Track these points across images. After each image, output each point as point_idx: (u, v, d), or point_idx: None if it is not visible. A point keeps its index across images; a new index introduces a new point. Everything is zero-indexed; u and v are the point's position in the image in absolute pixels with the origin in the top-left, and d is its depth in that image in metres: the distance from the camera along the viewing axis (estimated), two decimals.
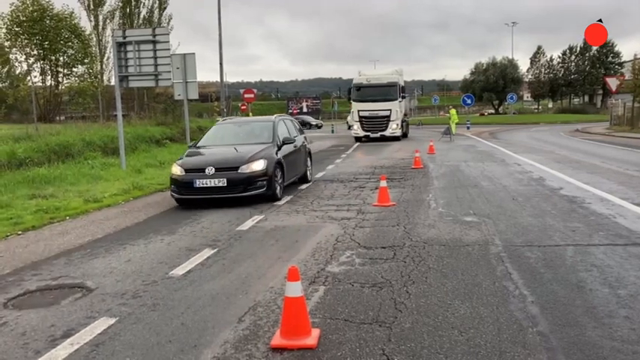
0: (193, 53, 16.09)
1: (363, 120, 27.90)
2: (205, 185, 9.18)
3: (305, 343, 3.63)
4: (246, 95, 32.92)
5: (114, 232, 7.81)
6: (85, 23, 44.26)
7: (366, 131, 27.91)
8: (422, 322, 3.99)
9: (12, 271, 5.89)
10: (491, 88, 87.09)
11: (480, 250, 5.94)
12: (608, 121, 44.48)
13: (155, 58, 15.03)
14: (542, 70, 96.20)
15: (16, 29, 36.55)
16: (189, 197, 9.42)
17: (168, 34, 15.48)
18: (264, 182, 9.41)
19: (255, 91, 37.93)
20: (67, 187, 12.06)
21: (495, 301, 4.35)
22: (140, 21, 45.44)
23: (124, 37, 15.27)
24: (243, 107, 34.44)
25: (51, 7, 37.47)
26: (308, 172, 12.61)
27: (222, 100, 29.32)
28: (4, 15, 36.16)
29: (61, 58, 39.40)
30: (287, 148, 10.85)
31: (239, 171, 9.27)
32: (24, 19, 36.15)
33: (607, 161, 15.64)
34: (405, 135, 30.59)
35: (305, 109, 79.92)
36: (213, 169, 9.23)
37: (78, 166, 14.86)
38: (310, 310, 4.21)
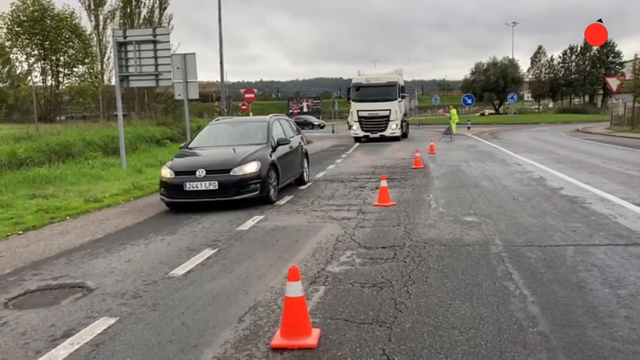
0: (194, 53, 16.08)
1: (362, 120, 27.72)
2: (196, 188, 8.82)
3: (305, 343, 3.63)
4: (246, 95, 32.91)
5: (114, 232, 7.81)
6: (86, 23, 44.29)
7: (366, 131, 27.74)
8: (422, 322, 3.99)
9: (12, 271, 5.89)
10: (492, 88, 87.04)
11: (481, 250, 5.94)
12: (608, 121, 44.48)
13: (155, 58, 15.04)
14: (543, 70, 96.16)
15: (17, 29, 36.56)
16: (179, 201, 9.08)
17: (168, 34, 15.48)
18: (258, 185, 9.09)
19: (255, 91, 37.94)
20: (67, 186, 12.06)
21: (496, 301, 4.35)
22: (140, 21, 45.46)
23: (125, 37, 15.27)
24: (243, 107, 34.44)
25: (52, 7, 37.49)
26: (305, 174, 12.25)
27: (222, 99, 29.31)
28: (4, 15, 36.16)
29: (62, 58, 39.41)
30: (282, 149, 10.52)
31: (231, 173, 8.93)
32: (25, 18, 36.16)
33: (607, 161, 15.64)
34: (405, 135, 30.39)
35: (305, 109, 79.85)
36: (204, 171, 8.90)
37: (78, 166, 14.87)
38: (310, 310, 4.21)
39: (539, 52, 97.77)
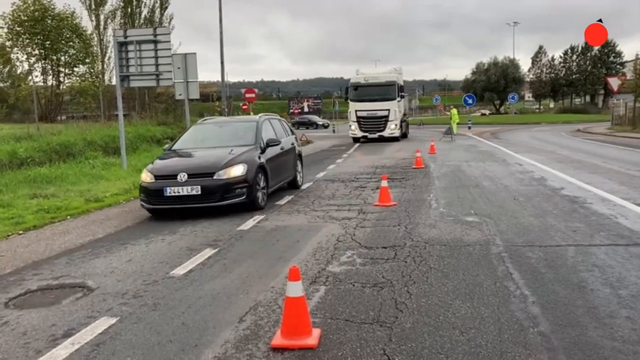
0: (194, 53, 16.08)
1: (361, 120, 27.29)
2: (177, 194, 8.22)
3: (306, 343, 3.63)
4: (247, 95, 32.90)
5: (115, 231, 7.82)
6: (87, 23, 44.44)
7: (364, 132, 27.35)
8: (423, 322, 3.98)
9: (13, 271, 5.89)
10: (493, 88, 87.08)
11: (481, 250, 5.94)
12: (609, 121, 44.45)
13: (156, 57, 15.04)
14: (544, 69, 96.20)
15: (18, 29, 36.58)
16: (160, 207, 8.52)
17: (169, 34, 15.48)
18: (244, 190, 8.49)
19: (256, 90, 37.92)
20: (68, 186, 12.07)
21: (496, 301, 4.34)
22: (141, 21, 45.49)
23: (125, 37, 15.28)
24: (244, 107, 34.45)
25: (52, 6, 37.52)
26: (298, 177, 11.62)
27: (223, 99, 29.33)
28: (5, 15, 36.19)
29: (63, 58, 39.44)
30: (272, 151, 9.91)
31: (215, 177, 8.34)
32: (25, 18, 36.18)
33: (608, 161, 15.63)
34: (404, 135, 30.09)
35: (306, 109, 79.87)
36: (186, 175, 8.31)
37: (79, 166, 14.89)
38: (311, 310, 4.21)
39: (540, 51, 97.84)
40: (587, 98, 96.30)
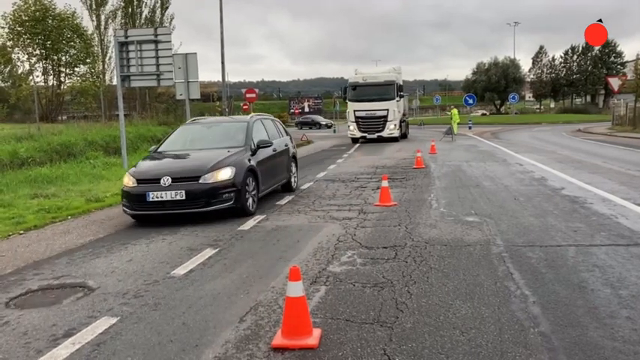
0: (195, 53, 16.09)
1: (360, 120, 26.88)
2: (160, 199, 7.77)
3: (306, 343, 3.63)
4: (248, 95, 32.90)
5: (115, 231, 7.82)
6: (87, 23, 44.50)
7: (363, 132, 26.94)
8: (423, 322, 3.99)
9: (14, 271, 5.90)
10: (493, 88, 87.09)
11: (482, 250, 5.94)
12: (610, 121, 44.43)
13: (157, 57, 15.05)
14: (544, 70, 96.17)
15: (19, 29, 36.62)
16: (142, 213, 8.09)
17: (170, 34, 15.50)
18: (232, 194, 8.04)
19: (257, 90, 37.92)
20: (68, 186, 12.08)
21: (497, 302, 4.34)
22: (142, 21, 45.55)
23: (126, 37, 15.29)
24: (245, 107, 34.47)
25: (53, 6, 37.57)
26: (292, 180, 11.11)
27: (224, 99, 29.34)
28: (6, 15, 36.22)
29: (63, 58, 39.50)
30: (263, 153, 9.44)
31: (200, 181, 7.88)
32: (26, 18, 36.22)
33: (609, 161, 15.62)
34: (404, 136, 29.74)
35: (307, 109, 79.90)
36: (170, 179, 7.84)
37: (80, 166, 14.90)
38: (311, 310, 4.21)
39: (540, 52, 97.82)
40: (588, 98, 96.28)
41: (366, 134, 26.91)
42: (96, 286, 5.21)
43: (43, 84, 39.67)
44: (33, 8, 36.12)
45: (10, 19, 35.95)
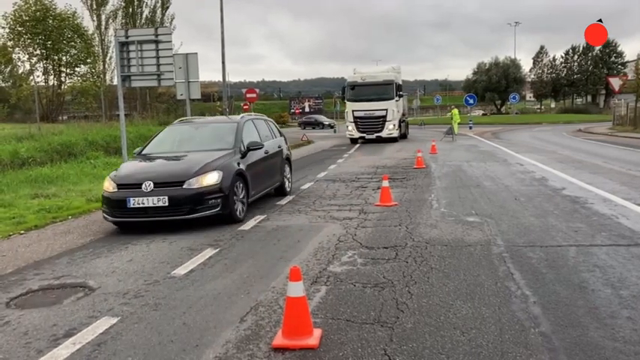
0: (196, 53, 16.07)
1: (358, 121, 26.47)
2: (141, 205, 7.31)
3: (307, 343, 3.63)
4: (248, 95, 32.90)
5: (116, 231, 7.82)
6: (88, 23, 44.57)
7: (362, 132, 26.52)
8: (424, 322, 3.98)
9: (14, 271, 5.90)
10: (494, 88, 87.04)
11: (482, 250, 5.94)
12: (610, 121, 44.42)
13: (157, 57, 15.02)
14: (545, 70, 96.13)
15: (19, 29, 36.67)
16: (123, 220, 7.65)
17: (170, 34, 15.46)
18: (219, 200, 7.58)
19: (257, 90, 37.92)
20: (69, 186, 12.08)
21: (497, 302, 4.34)
22: (143, 21, 45.57)
23: (127, 37, 15.27)
24: (245, 107, 34.50)
25: (54, 6, 37.60)
26: (286, 183, 10.61)
27: (224, 99, 29.35)
28: (7, 15, 36.25)
29: (64, 58, 39.54)
30: (254, 155, 8.97)
31: (184, 186, 7.43)
32: (27, 18, 36.26)
33: (609, 161, 15.62)
34: (404, 136, 29.40)
35: (307, 109, 79.94)
36: (152, 184, 7.39)
37: (80, 166, 14.92)
38: (312, 310, 4.21)
39: (541, 52, 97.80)
40: (589, 98, 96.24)
41: (364, 134, 26.54)
42: (96, 286, 5.21)
43: (43, 84, 39.72)
44: (33, 8, 36.17)
45: (11, 19, 36.00)
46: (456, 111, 33.06)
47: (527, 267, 5.25)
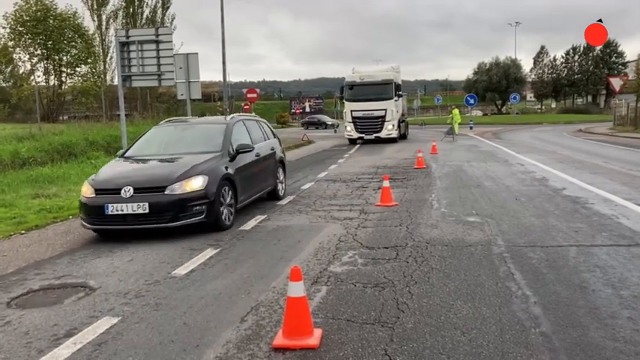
0: (196, 53, 16.08)
1: (357, 121, 25.98)
2: (120, 212, 6.86)
3: (307, 343, 3.63)
4: (249, 95, 32.93)
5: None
6: (89, 23, 44.59)
7: (360, 133, 26.03)
8: (424, 322, 3.99)
9: (15, 271, 5.91)
10: (494, 88, 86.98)
11: (483, 250, 5.94)
12: (611, 122, 44.39)
13: (158, 57, 15.03)
14: (546, 70, 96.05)
15: (20, 29, 36.70)
16: (101, 228, 7.21)
17: (171, 34, 15.48)
18: (203, 207, 7.11)
19: (258, 90, 37.95)
20: (70, 186, 12.08)
21: (498, 302, 4.34)
22: (143, 21, 45.59)
23: (127, 37, 15.28)
24: (246, 107, 34.51)
25: (54, 6, 37.62)
26: (279, 187, 10.13)
27: (224, 99, 29.36)
28: (7, 15, 36.28)
29: (65, 58, 39.57)
30: (244, 158, 8.50)
31: (166, 192, 6.95)
32: (27, 18, 36.29)
33: (610, 161, 15.61)
34: (403, 137, 28.95)
35: (308, 109, 80.00)
36: (132, 189, 6.92)
37: (81, 166, 14.91)
38: (312, 310, 4.21)
39: (541, 52, 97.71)
40: (589, 98, 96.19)
41: (363, 135, 26.06)
42: (97, 285, 5.22)
43: (44, 84, 39.75)
44: (34, 8, 36.20)
45: (12, 19, 36.03)
46: (456, 111, 33.04)
47: (528, 267, 5.26)
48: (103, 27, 44.51)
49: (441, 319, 4.02)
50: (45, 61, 38.93)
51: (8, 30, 36.43)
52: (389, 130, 25.88)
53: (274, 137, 10.73)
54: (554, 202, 8.83)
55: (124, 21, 44.78)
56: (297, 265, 5.00)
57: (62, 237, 7.56)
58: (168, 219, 6.96)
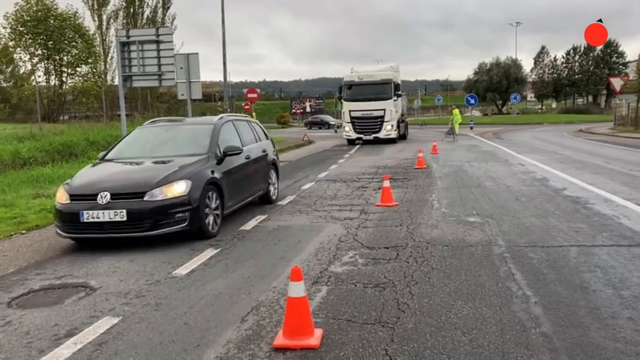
0: (197, 53, 16.09)
1: (355, 121, 25.63)
2: (96, 219, 6.40)
3: (308, 343, 3.63)
4: (249, 95, 32.94)
5: None
6: (89, 23, 44.60)
7: (359, 133, 25.68)
8: (425, 322, 3.99)
9: (16, 271, 5.91)
10: (495, 88, 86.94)
11: (483, 250, 5.94)
12: (612, 122, 44.38)
13: (159, 57, 15.05)
14: (546, 70, 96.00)
15: (21, 29, 36.72)
16: (76, 236, 6.75)
17: (171, 34, 15.49)
18: (186, 214, 6.63)
19: (258, 90, 37.95)
20: None
21: (498, 302, 4.34)
22: (144, 21, 45.63)
23: (128, 37, 15.30)
24: (246, 107, 34.53)
25: (55, 6, 37.64)
26: (272, 190, 9.70)
27: (225, 99, 29.38)
28: (8, 15, 36.30)
29: (65, 58, 39.58)
30: (232, 161, 8.06)
31: (146, 198, 6.48)
32: (28, 18, 36.32)
33: (611, 161, 15.61)
34: (403, 137, 28.55)
35: (308, 109, 79.98)
36: (109, 195, 6.45)
37: (82, 166, 14.83)
38: (313, 310, 4.21)
39: (542, 52, 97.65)
40: (590, 98, 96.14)
41: (361, 135, 25.72)
42: (98, 285, 5.22)
43: (44, 84, 39.77)
44: (35, 8, 36.22)
45: (12, 19, 36.05)
46: (457, 111, 33.04)
47: (529, 267, 5.25)
48: (104, 27, 44.56)
49: (442, 320, 4.02)
50: (45, 61, 38.95)
51: (9, 30, 36.48)
52: (388, 130, 25.56)
53: (267, 138, 10.28)
54: (554, 202, 8.83)
55: (124, 21, 44.82)
56: (298, 265, 5.00)
57: None
58: (148, 227, 6.48)
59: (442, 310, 4.20)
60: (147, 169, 7.33)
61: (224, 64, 26.66)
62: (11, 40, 37.22)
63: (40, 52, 37.96)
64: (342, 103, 27.13)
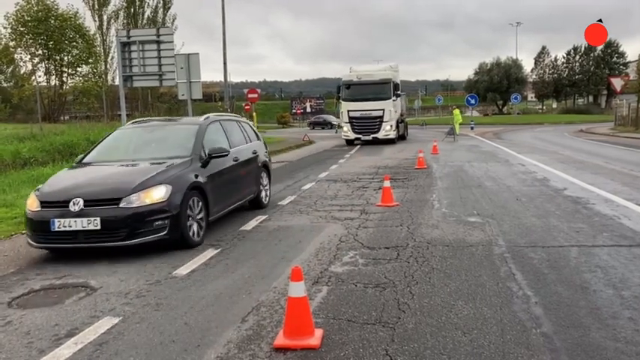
0: (197, 53, 16.10)
1: (354, 121, 25.37)
2: (68, 228, 5.94)
3: (308, 343, 3.63)
4: (249, 95, 32.95)
5: None
6: (90, 23, 44.58)
7: (357, 133, 25.45)
8: (425, 322, 3.99)
9: (16, 271, 5.91)
10: (495, 89, 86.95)
11: (484, 250, 5.94)
12: (612, 122, 44.35)
13: (159, 58, 15.07)
14: (547, 70, 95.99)
15: (21, 29, 36.74)
16: (47, 246, 6.34)
17: (172, 34, 15.53)
18: (166, 221, 6.16)
19: (258, 91, 37.98)
20: None
21: (499, 302, 4.34)
22: (144, 21, 45.67)
23: (128, 37, 15.32)
24: (247, 107, 34.55)
25: (55, 6, 37.66)
26: (263, 194, 9.21)
27: (225, 99, 29.40)
28: (9, 15, 36.32)
29: (66, 58, 39.59)
30: (219, 164, 7.57)
31: (121, 205, 6.02)
32: (29, 18, 36.33)
33: (611, 162, 15.60)
34: (402, 137, 28.31)
35: (308, 109, 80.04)
36: (82, 201, 5.99)
37: None
38: (313, 310, 4.21)
39: (542, 52, 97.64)
40: (590, 99, 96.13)
41: (360, 136, 25.47)
42: (98, 285, 5.22)
43: (45, 84, 39.79)
44: (35, 8, 36.24)
45: (13, 19, 36.07)
46: (457, 111, 33.03)
47: (529, 267, 5.25)
48: (104, 27, 44.57)
49: (442, 320, 4.02)
50: (46, 61, 38.97)
51: (9, 30, 36.50)
52: (387, 130, 25.30)
53: (258, 139, 9.81)
54: (555, 202, 8.82)
55: (125, 21, 44.83)
56: (298, 265, 5.00)
57: None
58: (124, 236, 6.02)
59: (443, 310, 4.20)
60: (124, 173, 6.89)
61: (224, 64, 26.71)
62: (12, 41, 37.26)
63: (40, 52, 37.97)
64: (340, 103, 26.96)
